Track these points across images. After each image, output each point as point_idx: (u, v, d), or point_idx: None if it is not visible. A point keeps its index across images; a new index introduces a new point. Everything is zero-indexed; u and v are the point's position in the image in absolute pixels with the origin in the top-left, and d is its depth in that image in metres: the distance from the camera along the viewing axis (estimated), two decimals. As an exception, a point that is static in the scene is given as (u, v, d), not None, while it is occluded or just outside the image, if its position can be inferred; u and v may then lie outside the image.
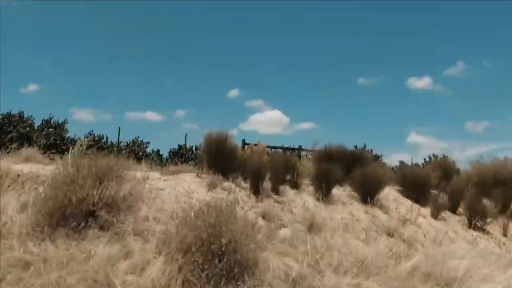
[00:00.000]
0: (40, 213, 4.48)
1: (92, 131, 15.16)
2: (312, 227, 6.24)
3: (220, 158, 7.73)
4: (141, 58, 33.94)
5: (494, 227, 8.74)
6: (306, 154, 13.16)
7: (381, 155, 16.48)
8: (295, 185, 8.22)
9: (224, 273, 3.90)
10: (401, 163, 15.85)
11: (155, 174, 7.24)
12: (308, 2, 34.24)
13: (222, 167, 7.62)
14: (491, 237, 8.27)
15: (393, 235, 6.81)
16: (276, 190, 7.65)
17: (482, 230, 8.42)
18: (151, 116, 29.40)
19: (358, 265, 4.90)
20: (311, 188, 8.23)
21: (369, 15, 36.41)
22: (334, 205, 7.71)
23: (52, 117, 14.90)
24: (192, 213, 4.40)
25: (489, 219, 8.59)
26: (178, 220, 4.59)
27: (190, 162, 11.98)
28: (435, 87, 37.99)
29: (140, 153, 14.93)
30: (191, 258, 3.94)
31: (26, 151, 7.54)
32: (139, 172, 6.70)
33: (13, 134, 12.60)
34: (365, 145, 15.58)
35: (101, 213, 4.65)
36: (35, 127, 14.08)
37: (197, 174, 7.61)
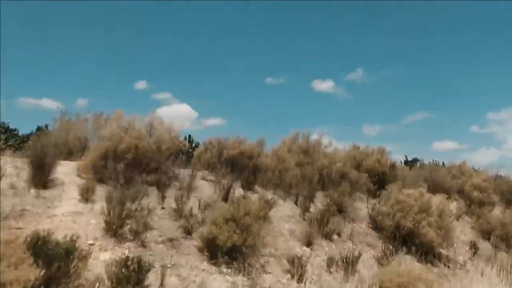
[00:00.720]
0: None
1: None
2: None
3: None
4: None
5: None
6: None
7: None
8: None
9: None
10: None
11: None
12: (221, 2, 34.11)
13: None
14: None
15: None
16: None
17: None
18: (48, 103, 26.39)
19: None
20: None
21: (279, 16, 35.48)
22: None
23: None
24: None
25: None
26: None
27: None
28: (337, 90, 37.01)
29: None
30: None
31: None
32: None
33: None
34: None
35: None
36: None
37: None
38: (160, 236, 6.31)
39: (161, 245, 6.12)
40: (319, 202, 9.65)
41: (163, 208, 7.07)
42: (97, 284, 4.62)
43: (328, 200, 9.50)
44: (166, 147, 8.15)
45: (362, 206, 10.19)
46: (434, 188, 11.77)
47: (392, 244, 8.63)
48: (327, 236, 8.17)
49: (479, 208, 12.62)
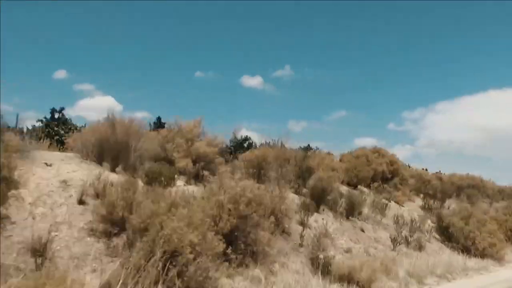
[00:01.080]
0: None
1: None
2: None
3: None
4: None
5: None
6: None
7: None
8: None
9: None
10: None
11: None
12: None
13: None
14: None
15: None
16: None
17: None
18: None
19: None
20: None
21: (209, 11, 35.67)
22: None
23: None
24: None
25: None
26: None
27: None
28: (266, 87, 38.37)
29: None
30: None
31: None
32: None
33: None
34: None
35: None
36: None
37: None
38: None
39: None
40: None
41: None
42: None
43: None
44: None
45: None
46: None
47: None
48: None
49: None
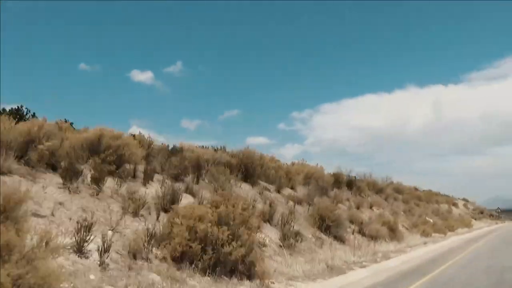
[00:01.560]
0: None
1: None
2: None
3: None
4: None
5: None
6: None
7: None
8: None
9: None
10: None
11: None
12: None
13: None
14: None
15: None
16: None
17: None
18: None
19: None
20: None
21: (99, 2, 35.22)
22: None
23: None
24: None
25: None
26: None
27: None
28: (156, 82, 39.15)
29: None
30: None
31: None
32: None
33: None
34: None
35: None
36: None
37: None
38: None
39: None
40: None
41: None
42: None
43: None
44: None
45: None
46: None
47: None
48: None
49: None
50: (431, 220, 30.54)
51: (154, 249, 7.47)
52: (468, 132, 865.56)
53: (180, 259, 7.52)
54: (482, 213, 76.30)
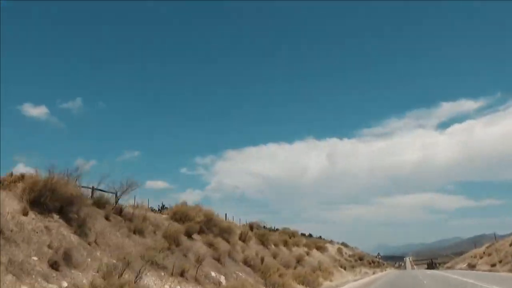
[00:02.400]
0: None
1: None
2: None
3: None
4: None
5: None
6: None
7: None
8: None
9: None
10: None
11: None
12: None
13: None
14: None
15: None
16: None
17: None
18: None
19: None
20: None
21: None
22: None
23: None
24: None
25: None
26: None
27: None
28: (51, 118, 33.47)
29: None
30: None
31: None
32: None
33: None
34: None
35: None
36: None
37: None
38: None
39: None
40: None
41: None
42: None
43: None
44: None
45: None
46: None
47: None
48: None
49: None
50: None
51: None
52: (358, 183, 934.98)
53: None
54: (361, 259, 66.19)
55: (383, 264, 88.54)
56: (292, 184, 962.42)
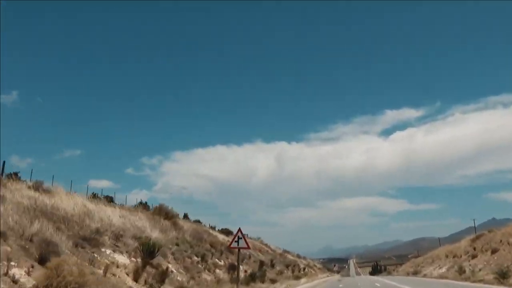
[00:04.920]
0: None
1: None
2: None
3: None
4: None
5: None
6: None
7: None
8: None
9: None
10: None
11: None
12: None
13: None
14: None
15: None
16: None
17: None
18: None
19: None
20: None
21: None
22: None
23: None
24: None
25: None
26: None
27: None
28: None
29: None
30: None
31: None
32: None
33: None
34: None
35: None
36: None
37: None
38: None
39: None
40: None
41: None
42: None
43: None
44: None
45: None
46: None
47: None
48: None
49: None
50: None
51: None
52: (305, 186, 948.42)
53: None
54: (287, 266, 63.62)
55: (316, 269, 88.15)
56: (241, 186, 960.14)
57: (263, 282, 27.08)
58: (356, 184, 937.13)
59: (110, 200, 29.39)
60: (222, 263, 27.74)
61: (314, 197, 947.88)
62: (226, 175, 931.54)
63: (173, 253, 21.40)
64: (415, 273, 52.37)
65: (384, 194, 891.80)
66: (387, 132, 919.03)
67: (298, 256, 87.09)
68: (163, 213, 28.80)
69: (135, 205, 32.78)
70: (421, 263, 60.11)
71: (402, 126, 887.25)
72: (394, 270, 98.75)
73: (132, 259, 16.12)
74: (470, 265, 36.65)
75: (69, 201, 18.31)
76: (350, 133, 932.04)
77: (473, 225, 71.84)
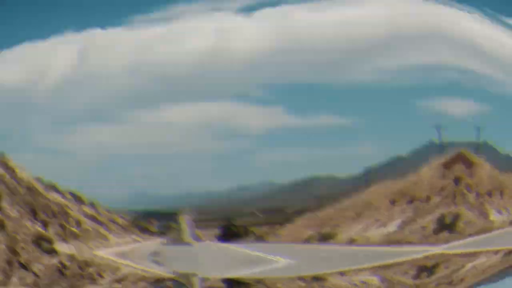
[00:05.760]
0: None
1: None
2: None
3: None
4: None
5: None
6: None
7: None
8: None
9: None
10: None
11: None
12: None
13: None
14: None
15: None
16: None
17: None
18: None
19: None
20: None
21: None
22: None
23: None
24: None
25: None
26: None
27: None
28: None
29: None
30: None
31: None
32: None
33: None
34: None
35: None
36: None
37: None
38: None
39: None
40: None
41: None
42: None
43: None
44: None
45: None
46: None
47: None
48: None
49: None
50: None
51: None
52: (110, 89, 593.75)
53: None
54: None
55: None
56: (27, 94, 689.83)
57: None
58: (196, 81, 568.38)
59: None
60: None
61: (120, 106, 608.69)
62: (13, 78, 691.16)
63: None
64: (325, 238, 34.14)
65: (244, 97, 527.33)
66: (248, 9, 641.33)
67: (80, 201, 44.84)
68: None
69: None
70: (331, 219, 39.29)
71: (271, 3, 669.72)
72: (271, 234, 57.18)
73: None
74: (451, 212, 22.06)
75: None
76: (195, 11, 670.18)
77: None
